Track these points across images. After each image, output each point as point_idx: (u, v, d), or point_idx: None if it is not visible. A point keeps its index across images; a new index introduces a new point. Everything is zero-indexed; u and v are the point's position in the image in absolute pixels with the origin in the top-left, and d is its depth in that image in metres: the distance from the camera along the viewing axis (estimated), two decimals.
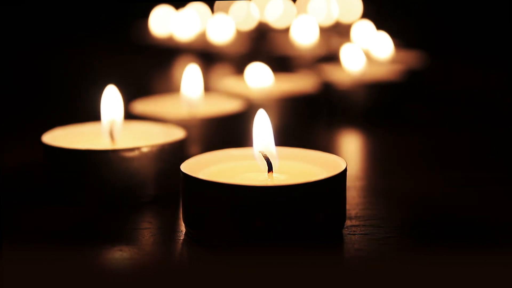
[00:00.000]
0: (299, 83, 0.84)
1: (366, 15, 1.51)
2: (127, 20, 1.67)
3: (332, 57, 1.09)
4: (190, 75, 0.70)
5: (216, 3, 1.66)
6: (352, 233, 0.46)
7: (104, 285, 0.40)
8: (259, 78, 0.81)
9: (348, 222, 0.48)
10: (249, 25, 1.58)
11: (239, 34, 1.42)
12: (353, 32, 1.20)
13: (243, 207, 0.43)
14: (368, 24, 1.20)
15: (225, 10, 1.62)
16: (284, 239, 0.43)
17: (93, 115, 0.63)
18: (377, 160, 0.70)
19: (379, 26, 1.13)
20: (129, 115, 0.65)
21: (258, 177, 0.48)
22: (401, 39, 1.12)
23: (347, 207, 0.50)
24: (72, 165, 0.52)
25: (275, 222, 0.43)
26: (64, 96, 1.02)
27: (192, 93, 0.70)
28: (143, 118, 0.64)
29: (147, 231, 0.47)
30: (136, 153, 0.52)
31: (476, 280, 0.40)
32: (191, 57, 1.32)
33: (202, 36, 1.41)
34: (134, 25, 1.61)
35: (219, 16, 1.45)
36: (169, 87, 1.04)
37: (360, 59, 0.88)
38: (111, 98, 0.58)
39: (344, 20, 1.58)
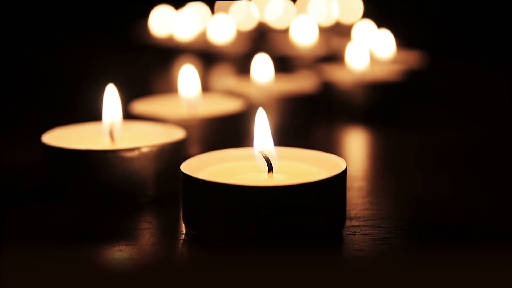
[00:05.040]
0: (299, 83, 0.84)
1: (367, 15, 1.51)
2: (127, 20, 1.66)
3: (332, 57, 1.09)
4: (186, 76, 0.70)
5: (216, 3, 1.66)
6: (352, 233, 0.46)
7: (104, 285, 0.40)
8: (262, 71, 0.81)
9: (348, 222, 0.48)
10: (249, 25, 1.58)
11: (239, 34, 1.42)
12: (354, 32, 1.20)
13: (243, 207, 0.43)
14: (369, 24, 1.20)
15: (225, 10, 1.62)
16: (284, 239, 0.43)
17: (93, 115, 0.63)
18: (377, 160, 0.70)
19: (380, 26, 1.13)
20: (129, 115, 0.65)
21: (258, 177, 0.48)
22: (402, 39, 1.12)
23: (347, 207, 0.50)
24: (72, 165, 0.52)
25: (275, 222, 0.43)
26: (64, 96, 1.02)
27: (190, 93, 0.70)
28: (143, 118, 0.64)
29: (147, 231, 0.47)
30: (136, 153, 0.52)
31: (477, 280, 0.39)
32: (191, 57, 1.32)
33: (202, 36, 1.41)
34: (134, 25, 1.61)
35: (219, 16, 1.45)
36: (169, 87, 1.03)
37: (364, 58, 0.88)
38: (111, 98, 0.58)
39: (345, 20, 1.59)
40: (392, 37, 1.03)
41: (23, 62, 1.37)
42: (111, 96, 0.58)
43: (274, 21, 1.62)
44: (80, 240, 0.46)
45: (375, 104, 0.84)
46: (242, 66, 1.10)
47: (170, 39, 1.46)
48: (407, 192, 0.56)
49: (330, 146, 0.74)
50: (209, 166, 0.49)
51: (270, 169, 0.47)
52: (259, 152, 0.48)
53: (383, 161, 0.69)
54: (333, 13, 1.62)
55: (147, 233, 0.47)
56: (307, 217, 0.43)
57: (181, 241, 0.46)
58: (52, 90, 1.09)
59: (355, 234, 0.46)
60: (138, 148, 0.52)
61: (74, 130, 0.58)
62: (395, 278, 0.40)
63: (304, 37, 1.26)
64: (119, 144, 0.57)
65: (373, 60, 0.96)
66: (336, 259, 0.43)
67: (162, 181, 0.54)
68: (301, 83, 0.84)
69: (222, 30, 1.37)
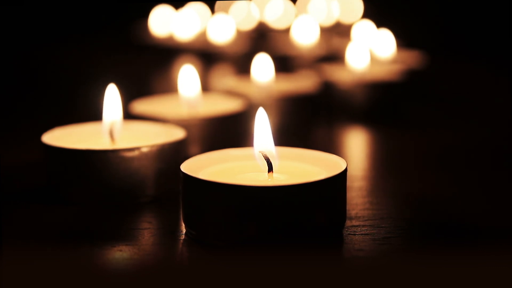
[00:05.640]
0: (299, 83, 0.84)
1: (367, 15, 1.51)
2: (127, 20, 1.66)
3: (332, 57, 1.09)
4: (186, 75, 0.70)
5: (217, 3, 1.66)
6: (352, 233, 0.46)
7: (104, 285, 0.40)
8: (262, 71, 0.81)
9: (348, 222, 0.48)
10: (249, 25, 1.58)
11: (239, 34, 1.42)
12: (353, 32, 1.20)
13: (243, 207, 0.43)
14: (369, 24, 1.20)
15: (225, 10, 1.62)
16: (284, 239, 0.43)
17: (93, 115, 0.63)
18: (377, 160, 0.70)
19: (380, 26, 1.13)
20: (129, 115, 0.65)
21: (258, 177, 0.48)
22: (402, 39, 1.12)
23: (347, 207, 0.50)
24: (72, 165, 0.52)
25: (275, 222, 0.43)
26: (64, 96, 1.02)
27: (190, 93, 0.70)
28: (143, 118, 0.64)
29: (147, 231, 0.47)
30: (136, 153, 0.52)
31: (477, 280, 0.39)
32: (191, 57, 1.32)
33: (202, 36, 1.41)
34: (134, 25, 1.61)
35: (219, 16, 1.45)
36: (169, 87, 1.04)
37: (364, 58, 0.88)
38: (111, 98, 0.58)
39: (345, 20, 1.59)
40: (392, 37, 1.03)
41: (23, 62, 1.37)
42: (111, 96, 0.58)
43: (274, 21, 1.62)
44: (80, 240, 0.46)
45: (375, 104, 0.84)
46: (242, 66, 1.10)
47: (170, 39, 1.46)
48: (407, 192, 0.56)
49: (330, 146, 0.74)
50: (209, 166, 0.49)
51: (270, 169, 0.47)
52: (259, 152, 0.48)
53: (383, 161, 0.69)
54: (333, 13, 1.62)
55: (147, 233, 0.47)
56: (307, 217, 0.43)
57: (181, 241, 0.46)
58: (52, 90, 1.09)
59: (355, 234, 0.46)
60: (138, 148, 0.52)
61: (74, 130, 0.58)
62: (395, 278, 0.40)
63: (304, 37, 1.26)
64: (119, 144, 0.57)
65: (373, 60, 0.96)
66: (336, 259, 0.43)
67: (162, 181, 0.54)
68: (301, 83, 0.84)
69: (222, 30, 1.37)
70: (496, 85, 1.05)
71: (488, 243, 0.45)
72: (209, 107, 0.71)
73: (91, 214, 0.50)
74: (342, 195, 0.46)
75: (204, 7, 1.62)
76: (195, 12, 1.52)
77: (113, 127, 0.57)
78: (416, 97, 0.93)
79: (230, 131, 0.68)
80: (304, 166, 0.50)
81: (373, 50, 1.01)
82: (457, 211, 0.51)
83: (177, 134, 0.56)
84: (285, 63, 1.10)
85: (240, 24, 1.52)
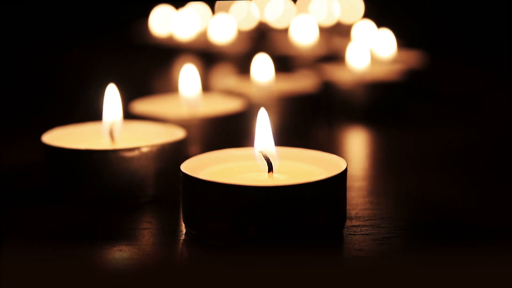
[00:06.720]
0: (299, 82, 0.84)
1: (367, 15, 1.51)
2: (127, 20, 1.67)
3: (332, 57, 1.09)
4: (187, 75, 0.70)
5: (217, 3, 1.66)
6: (352, 233, 0.46)
7: (104, 285, 0.40)
8: (262, 71, 0.81)
9: (348, 222, 0.48)
10: (250, 25, 1.58)
11: (240, 34, 1.42)
12: (354, 32, 1.20)
13: (243, 207, 0.43)
14: (370, 24, 1.20)
15: (226, 9, 1.62)
16: (284, 239, 0.43)
17: (93, 115, 0.63)
18: (377, 160, 0.70)
19: (380, 26, 1.13)
20: (129, 115, 0.65)
21: (258, 177, 0.48)
22: (402, 39, 1.12)
23: (347, 207, 0.50)
24: (72, 165, 0.52)
25: (275, 222, 0.43)
26: (64, 96, 1.02)
27: (190, 92, 0.70)
28: (143, 118, 0.64)
29: (147, 231, 0.47)
30: (136, 153, 0.52)
31: (477, 280, 0.39)
32: (192, 57, 1.32)
33: (203, 36, 1.41)
34: (134, 25, 1.61)
35: (219, 15, 1.45)
36: (169, 87, 1.04)
37: (364, 58, 0.88)
38: (111, 98, 0.58)
39: (346, 20, 1.59)
40: (392, 37, 1.03)
41: (23, 62, 1.37)
42: (111, 96, 0.58)
43: (274, 20, 1.62)
44: (80, 240, 0.46)
45: (375, 104, 0.84)
46: (242, 66, 1.10)
47: (170, 39, 1.46)
48: (407, 192, 0.56)
49: (330, 146, 0.74)
50: (209, 166, 0.49)
51: (270, 169, 0.47)
52: (259, 152, 0.48)
53: (383, 161, 0.69)
54: (334, 12, 1.62)
55: (147, 233, 0.47)
56: (307, 217, 0.43)
57: (181, 241, 0.46)
58: (53, 90, 1.09)
59: (355, 234, 0.46)
60: (138, 148, 0.52)
61: (74, 130, 0.58)
62: (395, 278, 0.40)
63: (304, 36, 1.26)
64: (119, 144, 0.57)
65: (373, 60, 0.96)
66: (336, 259, 0.43)
67: (162, 181, 0.54)
68: (301, 83, 0.84)
69: (223, 29, 1.37)
70: (496, 85, 1.05)
71: (488, 243, 0.45)
72: (209, 107, 0.71)
73: (91, 214, 0.50)
74: (342, 195, 0.46)
75: (204, 7, 1.62)
76: (196, 12, 1.52)
77: (113, 127, 0.57)
78: (416, 97, 0.93)
79: (230, 131, 0.67)
80: (304, 166, 0.50)
81: (373, 50, 1.01)
82: (457, 211, 0.51)
83: (177, 134, 0.56)
84: (285, 63, 1.10)
85: (241, 24, 1.52)
